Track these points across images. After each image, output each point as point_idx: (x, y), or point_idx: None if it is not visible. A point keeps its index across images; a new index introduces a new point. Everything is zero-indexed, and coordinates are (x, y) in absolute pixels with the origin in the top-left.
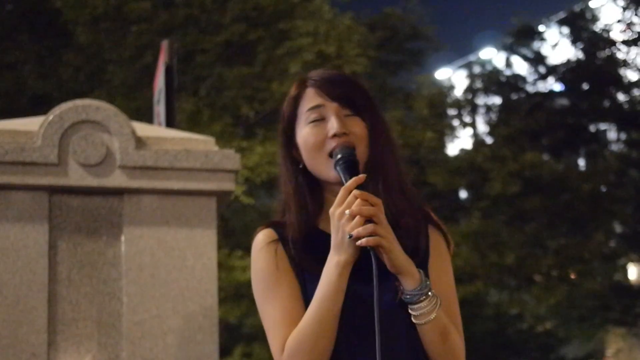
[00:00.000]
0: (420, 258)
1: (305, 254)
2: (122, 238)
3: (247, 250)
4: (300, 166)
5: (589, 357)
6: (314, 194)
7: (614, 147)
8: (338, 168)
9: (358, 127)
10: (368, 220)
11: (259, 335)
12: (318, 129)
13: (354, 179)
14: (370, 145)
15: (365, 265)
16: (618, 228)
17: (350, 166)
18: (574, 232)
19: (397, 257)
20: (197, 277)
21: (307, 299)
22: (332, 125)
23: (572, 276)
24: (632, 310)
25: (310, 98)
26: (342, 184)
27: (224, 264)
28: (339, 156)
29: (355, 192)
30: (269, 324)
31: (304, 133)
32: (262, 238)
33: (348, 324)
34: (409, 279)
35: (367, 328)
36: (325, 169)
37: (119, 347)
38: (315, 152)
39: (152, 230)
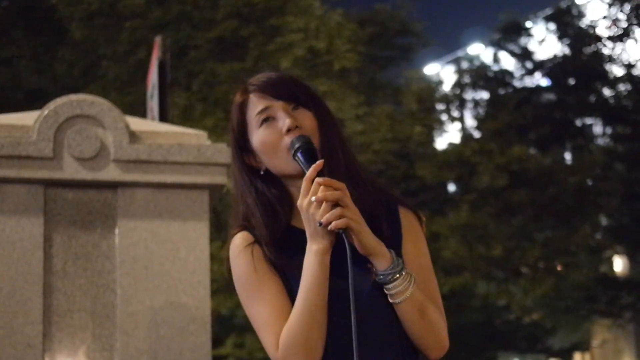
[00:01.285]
0: (390, 240)
1: (282, 254)
2: (116, 231)
3: None
4: (262, 172)
5: (575, 348)
6: (280, 196)
7: (600, 141)
8: (297, 158)
9: (307, 120)
10: (335, 205)
11: (250, 327)
12: (271, 129)
13: (312, 167)
14: (320, 135)
15: (343, 257)
16: (604, 221)
17: (308, 154)
18: (561, 225)
19: (366, 237)
20: (190, 269)
21: (292, 297)
22: (284, 121)
23: (559, 268)
24: (618, 301)
25: (256, 103)
26: (303, 174)
27: (216, 256)
28: (297, 145)
29: (318, 179)
30: (259, 325)
31: (259, 136)
32: (238, 242)
33: (332, 314)
34: (381, 259)
35: (349, 317)
36: (286, 163)
37: (113, 338)
38: (273, 151)
39: (145, 223)
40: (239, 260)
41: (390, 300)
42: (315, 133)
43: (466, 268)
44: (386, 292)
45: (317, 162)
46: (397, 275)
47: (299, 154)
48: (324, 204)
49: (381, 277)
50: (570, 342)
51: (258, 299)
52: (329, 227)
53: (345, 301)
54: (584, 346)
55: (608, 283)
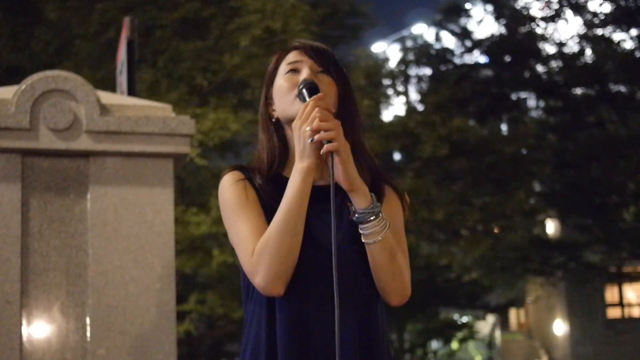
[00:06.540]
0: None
1: (270, 190)
2: (88, 196)
3: (201, 206)
4: (274, 119)
5: (511, 304)
6: (280, 144)
7: (534, 114)
8: (301, 94)
9: (328, 85)
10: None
11: (211, 284)
12: (291, 78)
13: (313, 97)
14: (338, 105)
15: (326, 206)
16: (537, 187)
17: (312, 91)
18: (498, 191)
19: (352, 171)
20: (156, 232)
21: None
22: (304, 73)
23: (496, 230)
24: (550, 261)
25: (291, 56)
26: None
27: (180, 219)
28: (303, 84)
29: (316, 100)
30: (238, 240)
31: (279, 81)
32: (230, 177)
33: (305, 253)
34: (361, 197)
35: (323, 258)
36: (291, 105)
37: (85, 294)
38: (285, 94)
39: (115, 189)
40: (230, 189)
41: (364, 240)
42: (334, 101)
43: (410, 230)
44: (360, 231)
45: (319, 94)
46: (373, 217)
47: (303, 90)
48: (316, 121)
49: (358, 216)
50: (506, 298)
51: (240, 219)
52: (321, 151)
53: (323, 246)
54: (519, 302)
55: (541, 244)
